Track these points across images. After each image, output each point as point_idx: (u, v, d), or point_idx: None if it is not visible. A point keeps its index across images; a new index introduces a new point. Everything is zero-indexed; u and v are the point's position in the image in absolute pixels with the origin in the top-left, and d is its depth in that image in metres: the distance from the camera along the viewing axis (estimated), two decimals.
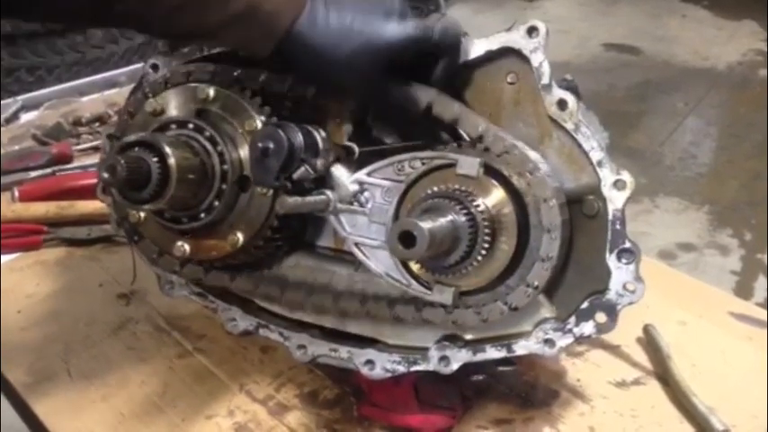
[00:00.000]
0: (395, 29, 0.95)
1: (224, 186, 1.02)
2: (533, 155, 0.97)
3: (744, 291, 3.37)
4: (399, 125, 1.08)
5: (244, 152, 1.02)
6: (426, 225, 0.86)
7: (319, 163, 1.00)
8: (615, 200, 0.95)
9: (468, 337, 1.03)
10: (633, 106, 4.97)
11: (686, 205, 3.99)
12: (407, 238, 0.86)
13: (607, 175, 0.96)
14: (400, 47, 0.96)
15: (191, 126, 1.04)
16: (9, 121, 2.06)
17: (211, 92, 1.05)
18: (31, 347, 1.28)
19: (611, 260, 0.96)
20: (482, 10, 6.47)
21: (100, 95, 2.20)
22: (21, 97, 2.16)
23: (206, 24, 0.93)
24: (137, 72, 2.06)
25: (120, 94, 2.15)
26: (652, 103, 5.05)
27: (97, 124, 1.99)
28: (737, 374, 1.19)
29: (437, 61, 1.01)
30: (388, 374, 1.05)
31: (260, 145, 0.95)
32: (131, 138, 0.98)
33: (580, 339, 0.99)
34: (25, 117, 2.10)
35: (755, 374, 1.18)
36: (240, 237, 1.04)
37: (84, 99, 2.18)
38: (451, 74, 1.02)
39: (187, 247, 1.07)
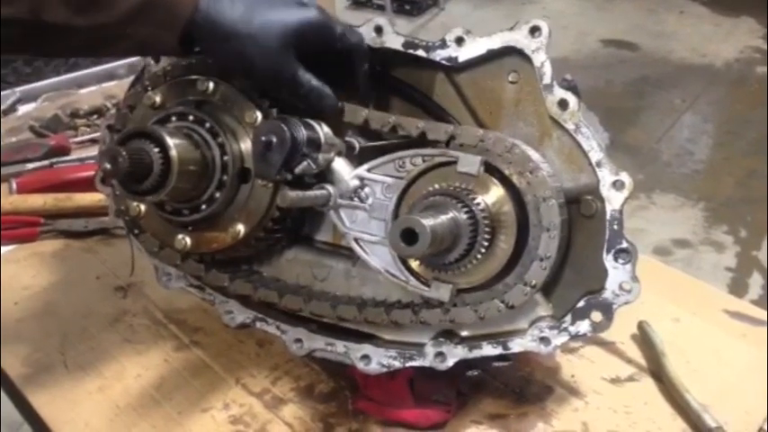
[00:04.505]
0: (299, 11, 0.96)
1: (225, 178, 1.02)
2: (534, 154, 0.97)
3: (738, 287, 3.39)
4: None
5: (244, 144, 1.02)
6: (428, 222, 0.86)
7: (321, 158, 1.00)
8: (613, 200, 0.96)
9: (464, 333, 1.04)
10: (630, 102, 4.98)
11: (682, 202, 4.01)
12: (410, 236, 0.86)
13: (606, 176, 0.96)
14: (305, 28, 0.96)
15: (191, 118, 1.03)
16: (7, 112, 2.04)
17: (211, 84, 1.05)
18: (27, 339, 1.28)
19: (608, 260, 0.96)
20: (481, 5, 6.47)
21: (98, 87, 2.19)
22: (18, 89, 2.14)
23: (101, 24, 0.91)
24: (135, 64, 2.06)
25: (118, 87, 2.14)
26: (649, 99, 5.06)
27: (95, 116, 1.98)
28: (731, 372, 1.19)
29: (350, 65, 1.02)
30: (384, 369, 1.06)
31: (263, 139, 0.94)
32: (133, 129, 0.98)
33: (575, 338, 0.99)
34: (23, 109, 2.08)
35: (749, 372, 1.19)
36: (241, 228, 1.04)
37: (83, 91, 2.17)
38: (365, 83, 1.04)
39: (188, 239, 1.07)
